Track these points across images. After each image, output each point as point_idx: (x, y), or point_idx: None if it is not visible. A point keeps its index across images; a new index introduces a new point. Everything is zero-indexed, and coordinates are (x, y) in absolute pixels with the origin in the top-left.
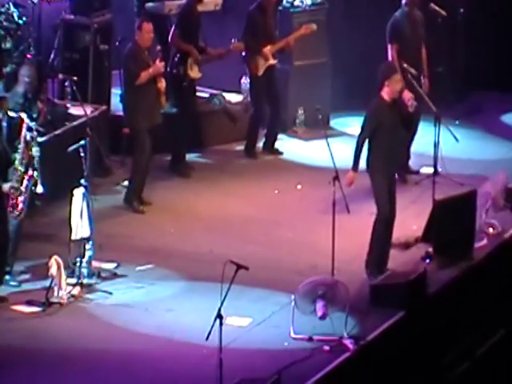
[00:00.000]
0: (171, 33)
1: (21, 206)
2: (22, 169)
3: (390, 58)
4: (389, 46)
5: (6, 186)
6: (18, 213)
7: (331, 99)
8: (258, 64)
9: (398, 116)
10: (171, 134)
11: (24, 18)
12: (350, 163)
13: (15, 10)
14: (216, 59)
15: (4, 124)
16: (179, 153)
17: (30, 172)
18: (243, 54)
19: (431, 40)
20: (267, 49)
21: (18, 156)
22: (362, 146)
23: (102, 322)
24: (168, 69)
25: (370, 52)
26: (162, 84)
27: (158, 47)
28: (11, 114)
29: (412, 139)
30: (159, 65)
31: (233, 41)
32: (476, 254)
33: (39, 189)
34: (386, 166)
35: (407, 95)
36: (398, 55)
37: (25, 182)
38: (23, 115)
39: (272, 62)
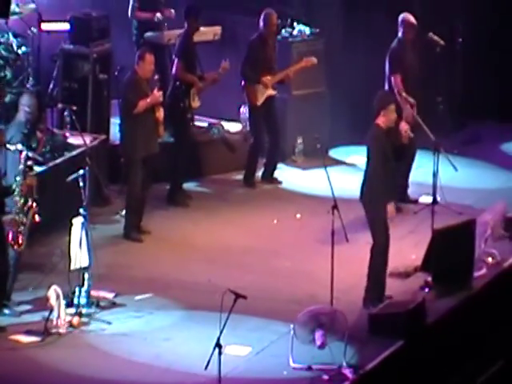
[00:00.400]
0: (175, 65)
1: (21, 237)
2: (21, 200)
3: (395, 88)
4: (392, 77)
5: (6, 219)
6: (18, 246)
7: (330, 128)
8: (257, 93)
9: (391, 146)
10: (169, 164)
11: (23, 48)
12: (348, 192)
13: (15, 39)
14: (210, 85)
15: (1, 156)
16: (177, 183)
17: (30, 203)
18: (242, 83)
19: (430, 69)
20: (267, 79)
21: (16, 188)
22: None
23: (100, 352)
24: (168, 100)
25: (368, 81)
26: (160, 114)
27: (156, 76)
28: (9, 146)
29: (409, 169)
30: (157, 94)
31: (223, 62)
32: (475, 283)
33: (36, 217)
34: (383, 195)
35: (404, 126)
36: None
37: (25, 214)
38: (21, 147)
39: (271, 92)
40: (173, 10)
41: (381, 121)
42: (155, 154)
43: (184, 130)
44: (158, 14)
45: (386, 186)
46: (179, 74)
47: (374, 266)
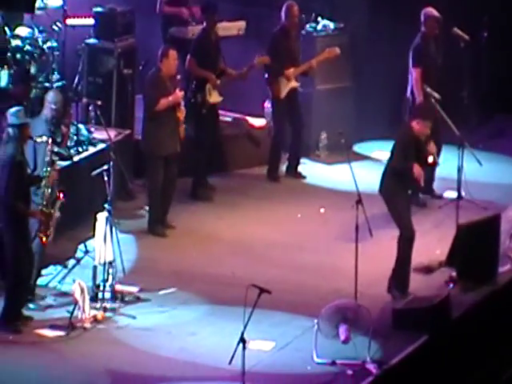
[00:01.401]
0: (187, 60)
1: (50, 230)
2: (49, 192)
3: (414, 81)
4: (413, 70)
5: (35, 212)
6: (46, 237)
7: (354, 123)
8: (280, 86)
9: (416, 153)
10: (192, 159)
11: (49, 43)
12: (372, 187)
13: (40, 34)
14: (238, 79)
15: (30, 149)
16: (199, 177)
17: (58, 194)
18: (266, 75)
19: (455, 64)
20: (290, 71)
21: (44, 179)
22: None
23: (125, 346)
24: (187, 96)
25: (392, 76)
26: (182, 113)
27: (179, 76)
28: (37, 139)
29: (431, 183)
30: (179, 94)
31: (256, 56)
32: (500, 278)
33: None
34: (404, 188)
35: (433, 149)
36: (422, 79)
37: (52, 205)
38: (49, 140)
39: (294, 84)
40: (199, 9)
41: (415, 126)
42: (177, 153)
43: (201, 126)
44: (184, 12)
45: (403, 181)
46: (191, 70)
47: (401, 255)
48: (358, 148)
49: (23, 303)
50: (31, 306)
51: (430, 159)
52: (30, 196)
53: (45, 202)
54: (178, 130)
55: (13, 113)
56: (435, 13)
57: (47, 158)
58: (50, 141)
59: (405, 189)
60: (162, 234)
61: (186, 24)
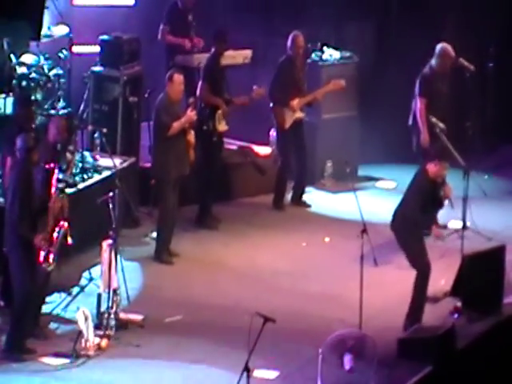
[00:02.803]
0: (199, 88)
1: (51, 258)
2: (52, 221)
3: (418, 110)
4: (418, 99)
5: (37, 238)
6: (48, 265)
7: (359, 152)
8: (285, 116)
9: (431, 195)
10: (198, 186)
11: (55, 70)
12: (377, 216)
13: (46, 62)
14: (239, 108)
15: (38, 175)
16: (206, 205)
17: (61, 223)
18: (271, 105)
19: (460, 94)
20: (295, 102)
21: (49, 207)
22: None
23: (129, 375)
24: (195, 123)
25: (398, 105)
26: (191, 136)
27: (191, 99)
28: (44, 165)
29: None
30: (191, 114)
31: (254, 87)
32: (505, 309)
33: (69, 240)
34: (417, 228)
35: (448, 192)
36: (426, 109)
37: (55, 234)
38: (54, 167)
39: (299, 115)
40: (202, 40)
41: (431, 168)
42: (185, 176)
43: (210, 153)
44: (187, 43)
45: (416, 223)
46: (204, 97)
47: (417, 297)
48: (364, 176)
49: (28, 333)
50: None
51: (446, 202)
52: (36, 223)
53: (48, 229)
54: (187, 153)
55: (21, 137)
56: (452, 53)
57: (54, 186)
58: (56, 168)
59: (418, 228)
60: (168, 262)
61: (190, 52)
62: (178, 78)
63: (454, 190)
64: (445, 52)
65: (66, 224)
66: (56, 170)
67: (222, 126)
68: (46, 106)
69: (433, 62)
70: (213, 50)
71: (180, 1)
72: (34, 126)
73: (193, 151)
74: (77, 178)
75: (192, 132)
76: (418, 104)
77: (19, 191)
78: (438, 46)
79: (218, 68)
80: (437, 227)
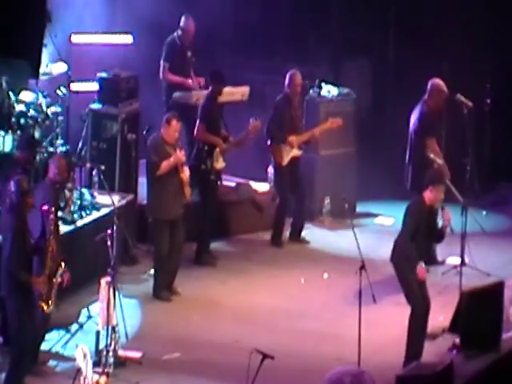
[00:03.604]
0: (197, 127)
1: (51, 300)
2: (50, 262)
3: (432, 152)
4: (427, 141)
5: (37, 282)
6: (47, 307)
7: (357, 188)
8: (282, 154)
9: (428, 223)
10: (196, 224)
11: (53, 108)
12: (376, 253)
13: (44, 99)
14: (237, 147)
15: (35, 217)
16: (203, 243)
17: (59, 263)
18: (268, 142)
19: (457, 131)
20: (292, 139)
21: (47, 249)
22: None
23: None
24: (192, 161)
25: (396, 141)
26: (185, 174)
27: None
28: (40, 207)
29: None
30: (179, 154)
31: (250, 121)
32: (503, 345)
33: (65, 279)
34: (416, 259)
35: (448, 215)
36: (427, 147)
37: (55, 276)
38: (50, 208)
39: (297, 152)
40: (202, 80)
41: (427, 196)
42: (182, 214)
43: (208, 192)
44: (189, 82)
45: (418, 251)
46: (201, 136)
47: (411, 332)
48: (362, 213)
49: (26, 372)
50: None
51: (445, 227)
52: (32, 265)
53: (46, 271)
54: (182, 192)
55: (15, 181)
56: (444, 88)
57: (50, 228)
58: (53, 210)
59: (416, 260)
60: (167, 299)
61: (188, 89)
62: (176, 124)
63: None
64: (437, 88)
65: (62, 264)
66: (53, 211)
67: (220, 164)
68: (44, 144)
69: (426, 97)
70: (210, 89)
71: (178, 38)
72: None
73: (188, 189)
74: (75, 216)
75: (186, 169)
76: (429, 145)
77: (15, 237)
78: (430, 83)
79: (214, 107)
80: (435, 263)
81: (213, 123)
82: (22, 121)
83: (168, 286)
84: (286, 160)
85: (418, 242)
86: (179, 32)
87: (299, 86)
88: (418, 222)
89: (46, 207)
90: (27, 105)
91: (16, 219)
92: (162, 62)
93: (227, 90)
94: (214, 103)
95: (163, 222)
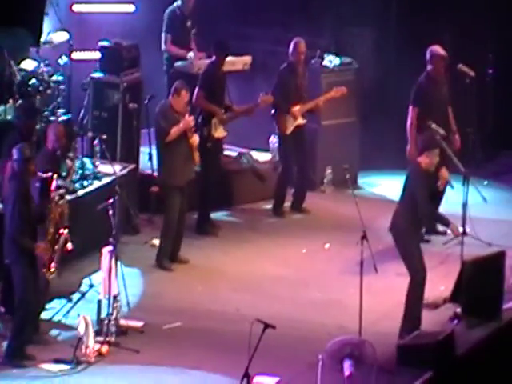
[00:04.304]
0: (195, 93)
1: (53, 264)
2: (52, 228)
3: (409, 119)
4: (410, 108)
5: (39, 247)
6: (50, 273)
7: (359, 158)
8: (286, 123)
9: (429, 187)
10: (197, 193)
11: (54, 77)
12: (377, 222)
13: (45, 68)
14: (243, 115)
15: (36, 184)
16: (205, 212)
17: (61, 230)
18: (272, 111)
19: (460, 101)
20: (296, 108)
21: (48, 216)
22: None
23: (129, 381)
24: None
25: (398, 112)
26: (195, 139)
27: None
28: (41, 174)
29: (439, 201)
30: (189, 119)
31: (261, 94)
32: (504, 315)
33: (69, 246)
34: (415, 228)
35: (445, 174)
36: (425, 117)
37: (56, 241)
38: (53, 175)
39: (301, 121)
40: (203, 54)
41: (423, 160)
42: (191, 181)
43: (205, 159)
44: (191, 54)
45: (418, 219)
46: (199, 103)
47: (410, 301)
48: (363, 183)
49: (28, 340)
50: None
51: (442, 187)
52: (36, 231)
53: (49, 237)
54: (192, 157)
55: (18, 148)
56: (442, 52)
57: (52, 194)
58: (55, 177)
59: (416, 229)
60: (168, 269)
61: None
62: (185, 95)
63: (454, 197)
64: (435, 54)
65: (66, 231)
66: (55, 178)
67: (220, 133)
68: (45, 113)
69: (428, 67)
70: (213, 58)
71: (178, 8)
72: (34, 135)
73: (197, 154)
74: (77, 185)
75: (195, 136)
76: (410, 113)
77: (18, 203)
78: (428, 51)
79: (217, 76)
80: (436, 233)
81: (215, 92)
82: (23, 90)
83: (173, 256)
84: (290, 129)
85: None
86: (179, 2)
87: (303, 54)
88: (425, 188)
89: (48, 173)
90: (29, 73)
91: (19, 186)
92: (163, 34)
93: (229, 59)
94: (217, 72)
95: (174, 188)
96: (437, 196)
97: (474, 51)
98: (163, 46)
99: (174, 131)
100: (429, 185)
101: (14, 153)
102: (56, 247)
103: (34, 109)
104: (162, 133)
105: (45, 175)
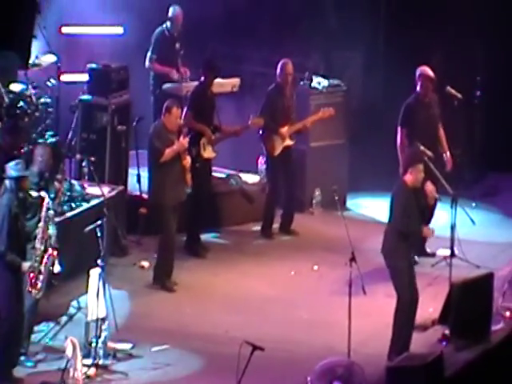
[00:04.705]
0: (184, 113)
1: (39, 285)
2: (41, 248)
3: (398, 141)
4: (398, 129)
5: (25, 266)
6: (36, 292)
7: (348, 179)
8: (274, 144)
9: (417, 204)
10: (187, 214)
11: (42, 99)
12: (365, 244)
13: (33, 91)
14: (231, 136)
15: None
16: (194, 233)
17: (50, 251)
18: (260, 132)
19: (448, 122)
20: (284, 129)
21: (38, 235)
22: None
23: None
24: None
25: (386, 133)
26: (187, 161)
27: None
28: (33, 193)
29: (429, 222)
30: (183, 141)
31: (251, 116)
32: (493, 337)
33: (56, 268)
34: (406, 249)
35: (429, 187)
36: (412, 138)
37: (44, 261)
38: (44, 194)
39: (289, 142)
40: (188, 70)
41: (408, 178)
42: (182, 202)
43: (195, 180)
44: (175, 73)
45: (405, 241)
46: (187, 123)
47: (397, 322)
48: (352, 204)
49: (15, 362)
50: (23, 358)
51: (431, 200)
52: (25, 250)
53: (37, 257)
54: (184, 178)
55: (12, 165)
56: (429, 72)
57: (42, 214)
58: (47, 196)
59: (407, 249)
60: (171, 289)
61: (178, 81)
62: (177, 111)
63: (442, 218)
64: (422, 73)
65: (54, 252)
66: (46, 199)
67: (208, 153)
68: (33, 136)
69: (417, 88)
70: (202, 78)
71: (167, 29)
72: (23, 152)
73: (189, 176)
74: (65, 207)
75: (188, 157)
76: (398, 134)
77: (8, 220)
78: (417, 71)
79: (206, 96)
80: (425, 255)
81: (204, 112)
82: (12, 112)
83: (170, 275)
84: (277, 150)
85: (415, 228)
86: (168, 23)
87: (290, 75)
88: (409, 205)
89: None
90: (17, 96)
91: (11, 203)
92: (149, 53)
93: (218, 81)
94: (206, 92)
95: (166, 207)
96: (425, 213)
97: (462, 74)
98: (147, 63)
99: (169, 152)
100: (417, 202)
101: (8, 170)
102: (43, 266)
103: (16, 127)
104: (157, 153)
105: (36, 194)
